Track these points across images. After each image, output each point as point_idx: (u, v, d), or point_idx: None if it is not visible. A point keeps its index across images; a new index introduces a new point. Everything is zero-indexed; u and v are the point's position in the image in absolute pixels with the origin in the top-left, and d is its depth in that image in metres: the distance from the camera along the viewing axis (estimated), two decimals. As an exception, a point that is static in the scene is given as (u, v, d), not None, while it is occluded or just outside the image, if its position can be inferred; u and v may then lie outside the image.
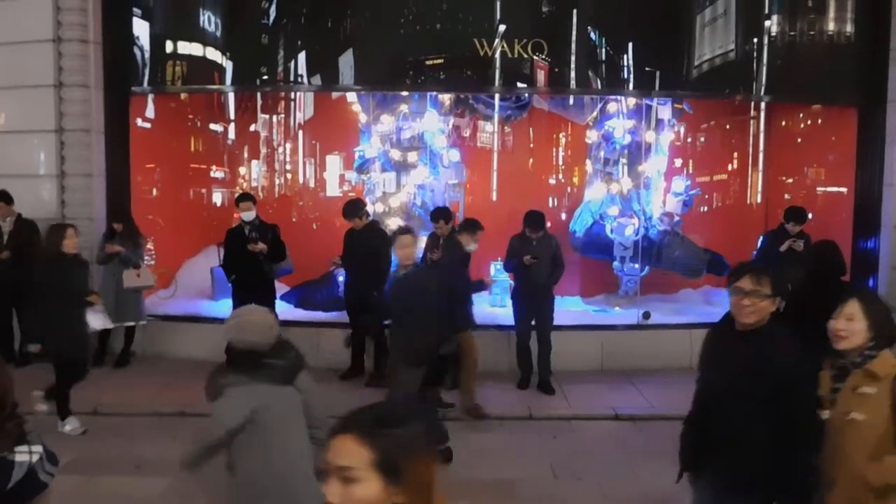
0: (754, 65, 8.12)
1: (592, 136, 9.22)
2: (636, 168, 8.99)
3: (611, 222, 8.84)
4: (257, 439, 3.07)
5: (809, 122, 9.65)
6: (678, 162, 9.47)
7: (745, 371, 2.92)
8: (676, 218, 9.09)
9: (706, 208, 10.02)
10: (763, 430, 2.86)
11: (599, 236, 8.86)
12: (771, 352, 2.89)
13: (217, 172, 10.27)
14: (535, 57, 7.74)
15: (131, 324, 7.62)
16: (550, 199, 9.83)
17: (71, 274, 5.82)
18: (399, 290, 5.36)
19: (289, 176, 10.33)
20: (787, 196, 9.63)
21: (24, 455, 2.08)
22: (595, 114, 9.12)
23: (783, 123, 9.98)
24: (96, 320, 5.90)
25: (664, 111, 9.00)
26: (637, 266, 8.78)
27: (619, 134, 8.90)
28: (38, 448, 2.12)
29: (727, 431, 2.97)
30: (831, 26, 8.28)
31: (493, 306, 8.54)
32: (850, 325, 2.88)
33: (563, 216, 9.47)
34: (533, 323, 7.16)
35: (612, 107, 8.93)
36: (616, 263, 8.86)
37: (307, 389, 3.31)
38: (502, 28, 7.68)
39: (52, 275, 5.71)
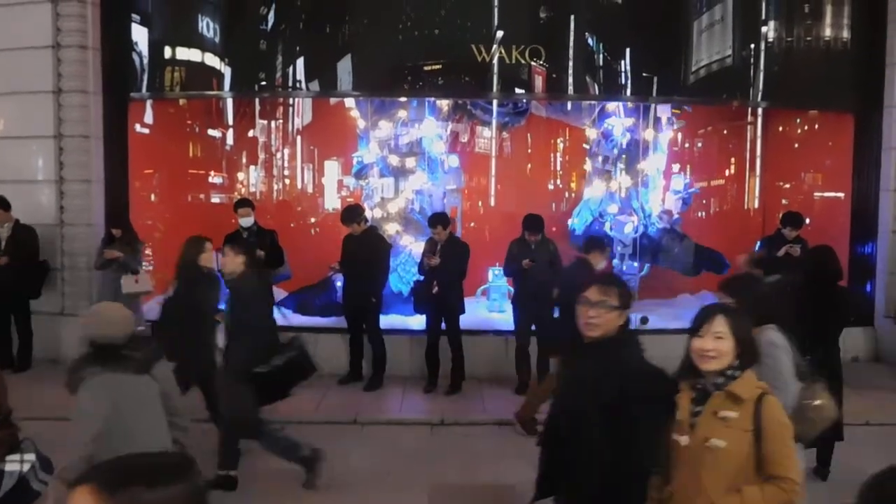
0: (751, 70, 8.16)
1: (591, 134, 9.25)
2: (635, 166, 9.03)
3: (610, 220, 8.86)
4: (117, 426, 3.21)
5: (806, 127, 9.69)
6: (676, 167, 9.50)
7: (590, 386, 2.75)
8: (675, 216, 9.13)
9: (703, 213, 10.04)
10: (609, 451, 2.66)
11: (599, 234, 8.90)
12: (615, 366, 2.73)
13: (215, 178, 10.28)
14: (532, 63, 7.76)
15: (129, 329, 7.60)
16: (549, 204, 9.83)
17: (208, 289, 5.61)
18: (229, 301, 5.11)
19: (287, 181, 10.34)
20: (784, 201, 9.65)
21: (15, 464, 2.06)
22: (594, 116, 9.17)
23: (780, 129, 10.01)
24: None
25: (663, 110, 9.06)
26: (636, 265, 8.80)
27: (619, 132, 8.95)
28: (30, 457, 2.09)
29: (575, 452, 2.79)
30: (828, 32, 8.32)
31: (492, 311, 8.54)
32: (719, 345, 2.58)
33: (563, 220, 9.48)
34: (533, 328, 7.16)
35: (611, 105, 8.98)
36: (616, 261, 8.88)
37: (164, 380, 3.55)
38: (500, 34, 7.70)
39: (194, 290, 5.45)
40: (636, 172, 9.06)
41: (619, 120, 8.94)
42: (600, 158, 9.12)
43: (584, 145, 9.40)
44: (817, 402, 3.22)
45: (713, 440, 2.52)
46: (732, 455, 2.50)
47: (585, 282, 2.95)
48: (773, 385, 2.81)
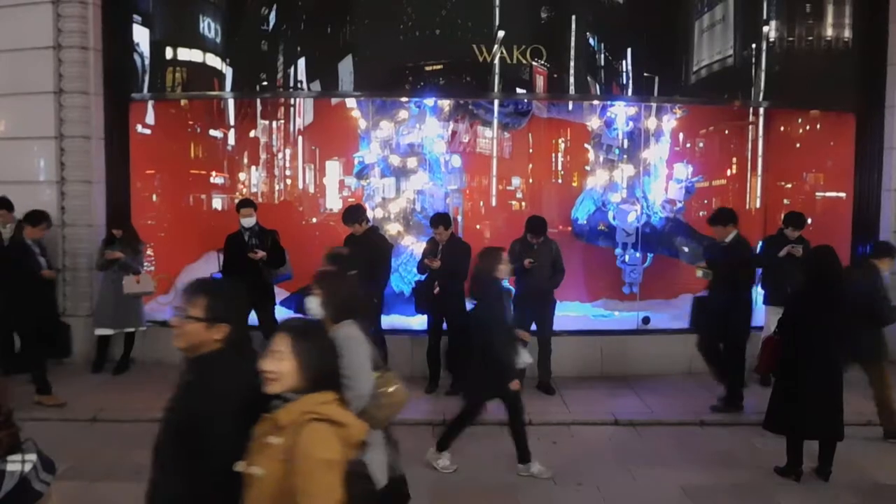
0: (753, 70, 8.15)
1: (594, 123, 9.21)
2: (638, 154, 9.03)
3: (613, 209, 8.87)
4: None
5: (808, 127, 9.67)
6: (677, 167, 9.49)
7: (169, 412, 2.52)
8: (679, 205, 9.13)
9: (705, 213, 10.01)
10: (179, 486, 2.43)
11: (602, 223, 8.92)
12: (192, 390, 2.49)
13: (217, 178, 10.28)
14: (534, 63, 7.76)
15: (131, 330, 7.62)
16: (552, 204, 9.81)
17: (504, 301, 5.42)
18: None
19: (288, 182, 10.35)
20: (786, 201, 9.64)
21: (17, 464, 2.06)
22: (595, 115, 9.15)
23: (782, 129, 10.00)
24: (525, 355, 5.43)
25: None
26: (639, 255, 8.79)
27: (621, 121, 8.95)
28: (31, 457, 2.09)
29: (155, 481, 2.52)
30: (829, 32, 8.32)
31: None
32: (279, 366, 2.36)
33: (565, 220, 9.45)
34: (533, 328, 7.14)
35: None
36: (618, 250, 8.88)
37: None
38: (501, 34, 7.70)
39: (492, 303, 5.26)
40: (639, 161, 9.04)
41: (622, 109, 8.93)
42: (603, 147, 9.10)
43: (586, 145, 9.38)
44: (390, 389, 3.33)
45: (252, 467, 2.34)
46: (269, 484, 2.30)
47: None
48: (347, 376, 2.69)
